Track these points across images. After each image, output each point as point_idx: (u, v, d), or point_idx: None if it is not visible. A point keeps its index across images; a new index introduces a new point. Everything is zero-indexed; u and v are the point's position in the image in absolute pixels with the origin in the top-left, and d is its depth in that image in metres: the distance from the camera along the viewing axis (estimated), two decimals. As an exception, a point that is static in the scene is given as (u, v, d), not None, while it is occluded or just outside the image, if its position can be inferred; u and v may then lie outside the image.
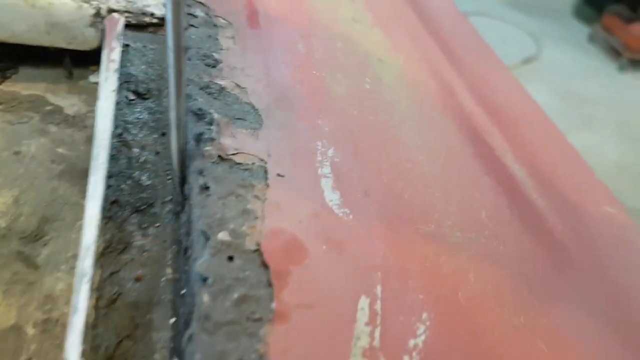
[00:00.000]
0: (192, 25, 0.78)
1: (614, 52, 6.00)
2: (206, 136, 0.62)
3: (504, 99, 1.05)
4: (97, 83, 0.84)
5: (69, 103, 0.81)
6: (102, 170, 0.61)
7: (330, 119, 0.73)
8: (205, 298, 0.46)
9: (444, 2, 1.32)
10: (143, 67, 0.78)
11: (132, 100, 0.73)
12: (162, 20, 0.84)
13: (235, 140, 0.63)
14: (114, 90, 0.68)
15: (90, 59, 0.84)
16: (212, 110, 0.65)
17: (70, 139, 0.76)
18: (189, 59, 0.73)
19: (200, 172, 0.58)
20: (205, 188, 0.56)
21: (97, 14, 0.80)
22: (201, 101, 0.66)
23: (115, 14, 0.79)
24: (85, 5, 0.79)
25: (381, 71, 0.90)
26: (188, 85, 0.68)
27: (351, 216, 0.59)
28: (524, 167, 0.84)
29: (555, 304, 0.63)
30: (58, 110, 0.80)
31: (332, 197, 0.61)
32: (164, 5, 0.57)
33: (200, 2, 0.83)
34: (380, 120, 0.77)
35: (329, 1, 1.04)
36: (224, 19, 0.82)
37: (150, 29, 0.83)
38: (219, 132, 0.63)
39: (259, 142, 0.64)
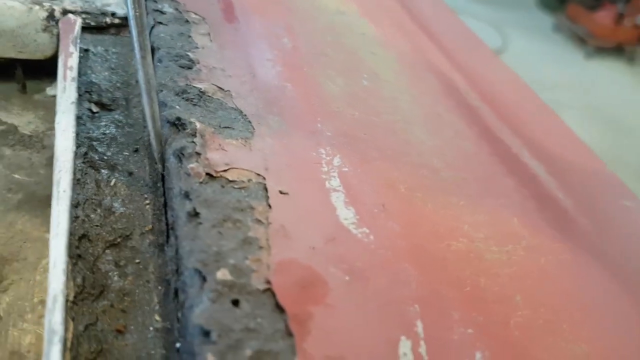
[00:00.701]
0: (160, 23, 0.68)
1: (580, 40, 6.01)
2: (189, 150, 0.51)
3: (503, 90, 0.96)
4: (55, 96, 0.73)
5: (25, 120, 0.70)
6: (66, 199, 0.50)
7: (330, 122, 0.63)
8: (210, 359, 0.36)
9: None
10: (106, 73, 0.67)
11: (96, 112, 0.62)
12: (124, 20, 0.73)
13: (224, 154, 0.52)
14: (73, 103, 0.57)
15: (46, 68, 0.73)
16: (193, 119, 0.54)
17: (27, 162, 0.65)
18: (160, 61, 0.62)
19: (186, 196, 0.47)
20: (195, 215, 0.46)
21: (51, 17, 0.69)
22: (179, 109, 0.56)
23: (70, 15, 0.68)
24: (36, 7, 0.68)
25: (377, 65, 0.80)
26: (161, 91, 0.58)
27: (372, 236, 0.49)
28: (542, 164, 0.75)
29: (608, 318, 0.54)
30: (12, 129, 0.68)
31: (346, 215, 0.50)
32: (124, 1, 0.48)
33: (168, -3, 0.72)
34: (385, 121, 0.67)
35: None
36: (196, 13, 0.71)
37: (112, 31, 0.73)
38: (203, 144, 0.52)
39: (253, 154, 0.53)
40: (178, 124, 0.54)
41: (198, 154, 0.51)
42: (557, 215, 0.65)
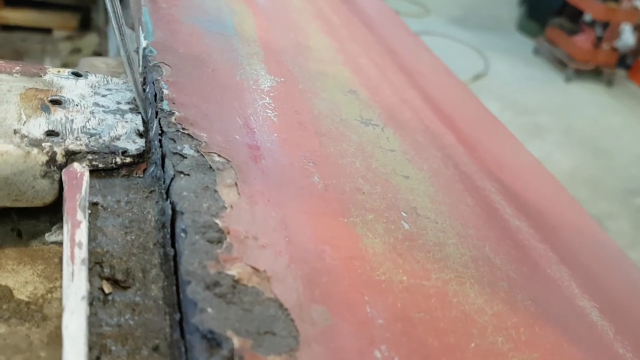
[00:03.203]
0: (181, 173, 0.59)
1: (559, 63, 6.05)
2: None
3: (537, 195, 0.89)
4: (55, 243, 0.64)
5: (21, 280, 0.60)
6: None
7: (379, 299, 0.54)
8: None
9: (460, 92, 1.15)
10: (119, 234, 0.57)
11: (109, 294, 0.53)
12: (137, 157, 0.64)
13: (270, 385, 0.43)
14: (84, 298, 0.48)
15: (43, 208, 0.64)
16: (229, 332, 0.45)
17: (25, 342, 0.55)
18: (185, 232, 0.53)
19: None
20: None
21: (52, 161, 0.59)
22: (211, 313, 0.46)
23: (76, 166, 0.59)
24: (35, 151, 0.59)
25: (412, 195, 0.72)
26: (189, 282, 0.49)
27: None
28: (608, 324, 0.67)
29: None
30: (6, 294, 0.59)
31: None
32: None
33: (187, 134, 0.63)
34: (436, 285, 0.59)
35: (330, 99, 0.86)
36: (219, 155, 0.62)
37: (124, 171, 0.63)
38: (245, 373, 0.43)
39: (303, 377, 0.45)
40: (211, 339, 0.45)
41: (240, 393, 0.42)
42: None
